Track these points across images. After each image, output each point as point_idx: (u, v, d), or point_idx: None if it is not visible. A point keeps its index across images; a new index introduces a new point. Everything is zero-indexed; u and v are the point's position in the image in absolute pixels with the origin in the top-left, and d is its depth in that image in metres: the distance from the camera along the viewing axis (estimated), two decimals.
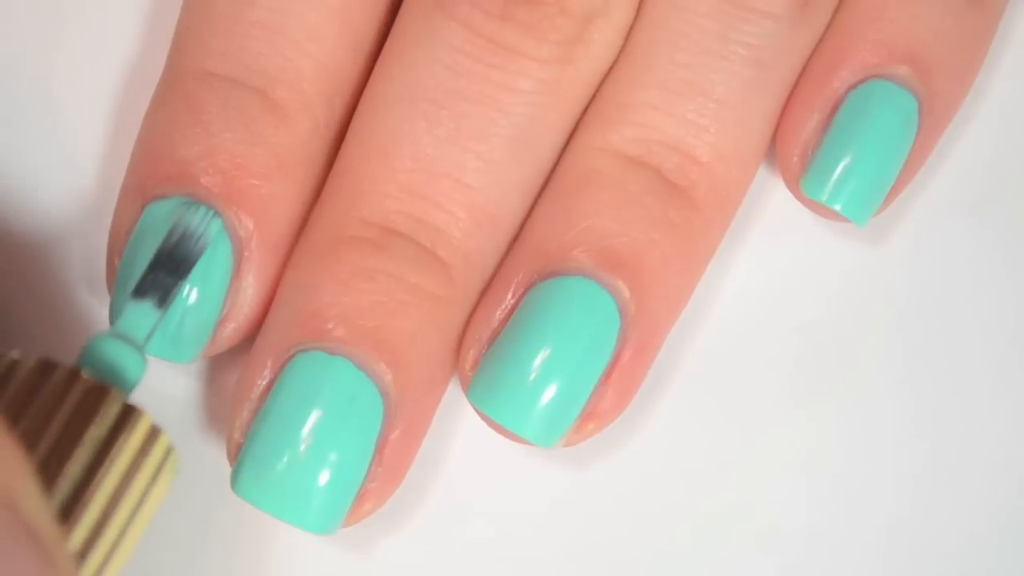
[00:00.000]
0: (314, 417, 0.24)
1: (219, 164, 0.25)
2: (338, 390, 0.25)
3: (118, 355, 0.23)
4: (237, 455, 0.25)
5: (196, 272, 0.25)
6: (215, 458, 0.27)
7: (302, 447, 0.24)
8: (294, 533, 0.26)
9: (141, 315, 0.24)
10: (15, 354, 0.22)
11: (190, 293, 0.25)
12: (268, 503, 0.25)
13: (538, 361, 0.25)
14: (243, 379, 0.26)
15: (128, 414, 0.22)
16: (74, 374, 0.22)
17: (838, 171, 0.26)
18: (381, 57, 0.26)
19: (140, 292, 0.24)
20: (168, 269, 0.24)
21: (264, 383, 0.25)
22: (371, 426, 0.25)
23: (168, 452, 0.23)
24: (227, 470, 0.26)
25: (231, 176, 0.25)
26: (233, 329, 0.26)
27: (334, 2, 0.26)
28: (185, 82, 0.26)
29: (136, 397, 0.27)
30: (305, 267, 0.26)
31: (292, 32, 0.26)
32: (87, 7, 0.29)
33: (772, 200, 0.28)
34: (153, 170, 0.25)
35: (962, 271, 0.28)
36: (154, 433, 0.23)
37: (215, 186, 0.25)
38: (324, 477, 0.24)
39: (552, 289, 0.25)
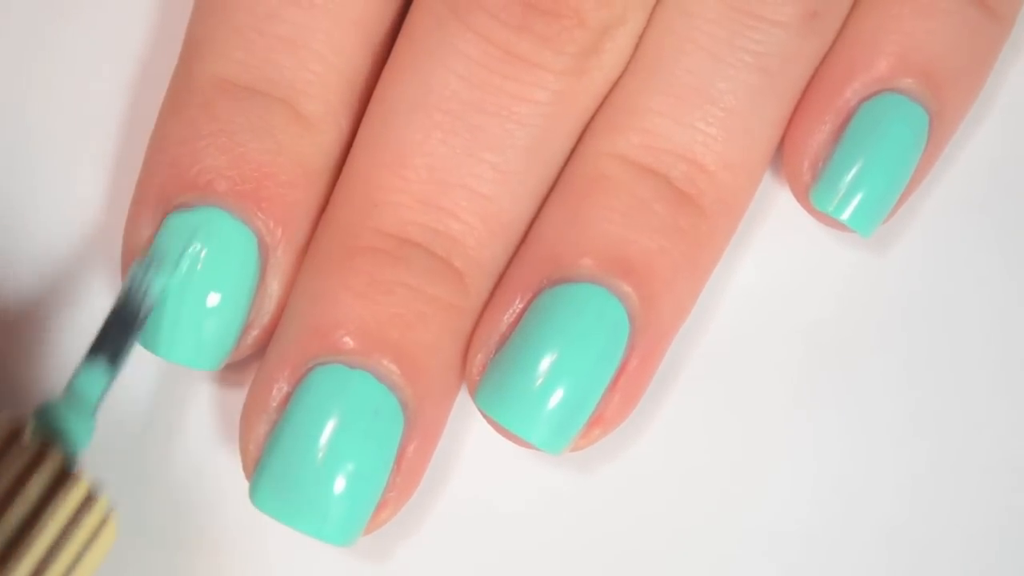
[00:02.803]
0: (337, 431, 0.24)
1: (246, 173, 0.25)
2: (361, 404, 0.25)
3: (68, 419, 0.23)
4: (255, 469, 0.25)
5: (227, 282, 0.25)
6: (224, 465, 0.27)
7: (325, 461, 0.24)
8: (295, 535, 0.26)
9: (94, 376, 0.24)
10: None
11: (217, 301, 0.25)
12: (291, 517, 0.25)
13: (547, 367, 0.25)
14: (257, 391, 0.25)
15: (65, 478, 0.22)
16: (16, 433, 0.22)
17: (847, 184, 0.26)
18: (391, 64, 0.26)
19: (93, 351, 0.24)
20: (119, 327, 0.24)
21: (281, 396, 0.25)
22: (392, 438, 0.25)
23: (106, 518, 0.23)
24: (227, 474, 0.26)
25: (258, 185, 0.25)
26: (255, 336, 0.26)
27: (355, 15, 0.26)
28: (204, 91, 0.26)
29: (145, 402, 0.27)
30: (319, 277, 0.25)
31: (317, 46, 0.26)
32: (88, 6, 0.28)
33: (775, 202, 0.28)
34: (176, 179, 0.25)
35: (965, 272, 0.28)
36: (91, 499, 0.23)
37: (242, 195, 0.25)
38: (347, 490, 0.24)
39: (562, 295, 0.25)
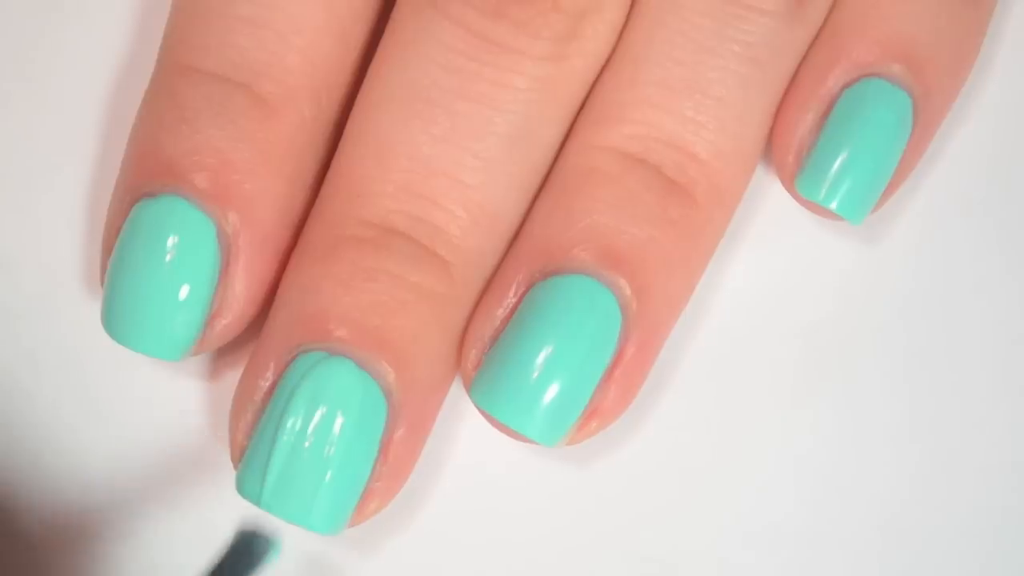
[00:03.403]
0: (320, 419, 0.25)
1: (205, 161, 0.25)
2: (343, 391, 0.25)
3: None
4: (242, 457, 0.25)
5: (184, 270, 0.25)
6: (214, 458, 0.27)
7: (307, 448, 0.24)
8: (297, 533, 0.26)
9: None
10: None
11: (177, 290, 0.25)
12: (275, 505, 0.25)
13: (541, 360, 0.25)
14: (245, 381, 0.26)
15: None
16: None
17: (833, 170, 0.26)
18: (375, 57, 0.26)
19: None
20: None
21: (267, 384, 0.25)
22: (375, 426, 0.25)
23: None
24: (228, 469, 0.26)
25: (217, 173, 0.25)
26: (224, 325, 0.26)
27: None
28: (171, 79, 0.26)
29: (136, 396, 0.27)
30: (305, 268, 0.26)
31: (277, 26, 0.26)
32: (84, 5, 0.29)
33: (771, 199, 0.28)
34: (141, 168, 0.26)
35: (962, 270, 0.28)
36: None
37: (201, 183, 0.25)
38: (329, 477, 0.24)
39: (554, 288, 0.25)
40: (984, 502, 0.27)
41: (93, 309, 0.27)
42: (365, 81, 0.26)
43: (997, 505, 0.27)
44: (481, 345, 0.26)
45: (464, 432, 0.28)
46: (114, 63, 0.29)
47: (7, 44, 0.29)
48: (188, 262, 0.25)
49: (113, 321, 0.25)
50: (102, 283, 0.26)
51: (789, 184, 0.27)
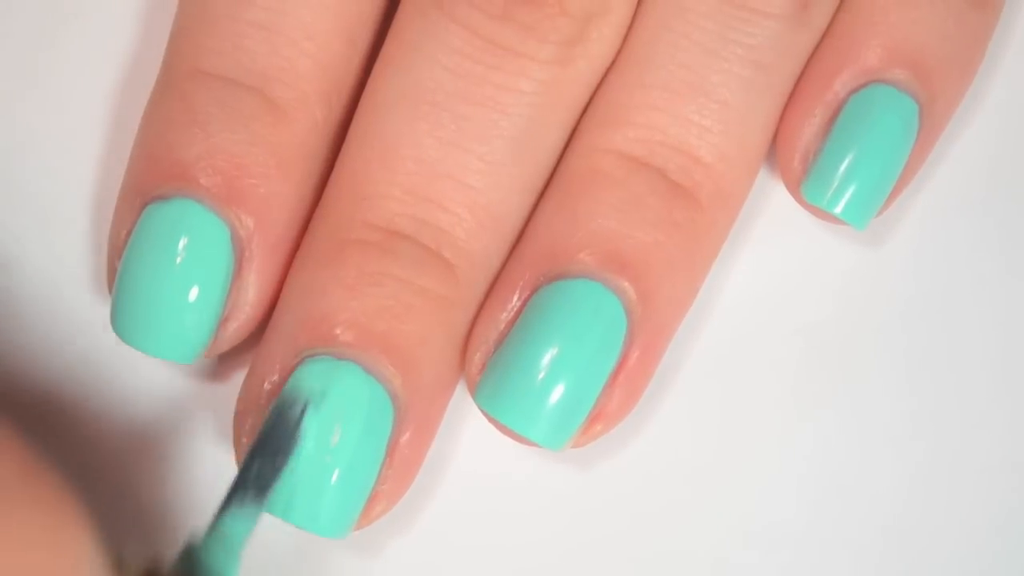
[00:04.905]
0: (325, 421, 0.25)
1: (218, 164, 0.25)
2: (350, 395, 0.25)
3: (216, 563, 0.23)
4: None
5: (198, 273, 0.25)
6: (218, 460, 0.27)
7: (313, 452, 0.24)
8: (299, 535, 0.26)
9: (241, 517, 0.24)
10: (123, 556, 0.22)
11: (191, 292, 0.25)
12: (279, 508, 0.25)
13: (545, 363, 0.25)
14: (249, 384, 0.26)
15: None
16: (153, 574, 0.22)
17: (839, 176, 0.26)
18: (380, 58, 0.26)
19: (240, 488, 0.24)
20: (265, 460, 0.24)
21: (271, 388, 0.25)
22: (382, 430, 0.25)
23: None
24: (232, 472, 0.26)
25: (230, 176, 0.25)
26: (235, 328, 0.26)
27: (329, 0, 0.26)
28: (181, 82, 0.26)
29: (140, 398, 0.27)
30: (310, 271, 0.26)
31: (289, 31, 0.26)
32: (85, 6, 0.29)
33: (773, 201, 0.28)
34: (152, 171, 0.26)
35: (964, 272, 0.28)
36: None
37: (215, 187, 0.25)
38: (335, 481, 0.24)
39: (558, 291, 0.25)
40: (985, 502, 0.27)
41: (97, 310, 0.27)
42: (369, 83, 0.26)
43: (998, 505, 0.27)
44: (485, 349, 0.26)
45: (466, 433, 0.27)
46: (117, 64, 0.29)
47: (9, 45, 0.29)
48: (202, 265, 0.25)
49: (124, 323, 0.25)
50: (109, 285, 0.26)
51: (794, 188, 0.27)
